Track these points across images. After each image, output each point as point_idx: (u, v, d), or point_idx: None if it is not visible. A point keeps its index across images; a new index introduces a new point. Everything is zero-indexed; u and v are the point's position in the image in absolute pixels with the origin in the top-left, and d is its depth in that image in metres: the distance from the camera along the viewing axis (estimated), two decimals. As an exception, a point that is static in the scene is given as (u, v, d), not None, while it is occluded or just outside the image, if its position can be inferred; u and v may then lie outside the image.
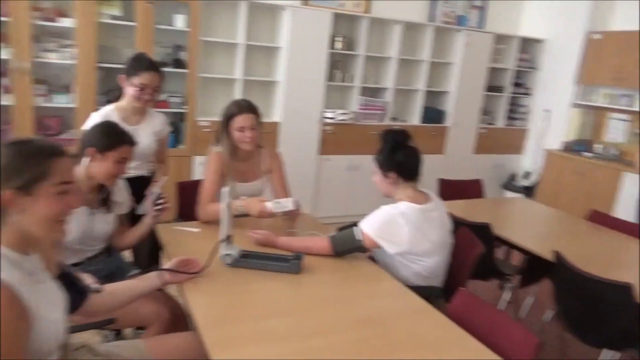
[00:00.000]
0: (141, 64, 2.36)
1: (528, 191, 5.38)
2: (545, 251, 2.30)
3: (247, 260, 1.85)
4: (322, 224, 2.57)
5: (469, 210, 3.01)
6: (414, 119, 5.08)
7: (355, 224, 2.01)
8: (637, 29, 4.67)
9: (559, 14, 5.32)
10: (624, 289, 1.92)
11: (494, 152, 5.58)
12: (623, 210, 4.39)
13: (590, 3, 5.00)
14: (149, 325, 1.83)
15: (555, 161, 5.13)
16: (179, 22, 3.90)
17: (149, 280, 1.61)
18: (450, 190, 3.41)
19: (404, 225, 1.89)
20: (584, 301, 2.12)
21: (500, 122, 5.58)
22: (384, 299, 1.74)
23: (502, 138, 5.61)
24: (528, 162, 5.66)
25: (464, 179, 3.63)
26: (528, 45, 5.54)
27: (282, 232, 2.17)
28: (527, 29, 5.62)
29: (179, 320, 1.84)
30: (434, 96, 5.23)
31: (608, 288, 1.97)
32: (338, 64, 4.64)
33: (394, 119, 5.02)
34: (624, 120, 5.02)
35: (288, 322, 1.50)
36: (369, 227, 1.93)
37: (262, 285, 1.73)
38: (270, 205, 2.16)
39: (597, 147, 5.11)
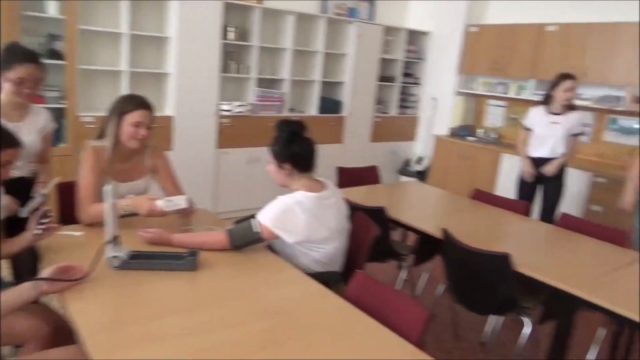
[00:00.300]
0: (16, 55, 2.12)
1: (421, 175, 5.71)
2: (435, 230, 2.45)
3: (137, 261, 1.74)
4: (221, 218, 2.51)
5: (366, 195, 3.12)
6: (312, 109, 5.14)
7: (252, 216, 1.98)
8: (509, 22, 5.14)
9: (441, 8, 5.67)
10: (503, 258, 2.10)
11: (389, 139, 5.83)
12: (503, 188, 4.82)
13: (468, -2, 5.40)
14: (26, 342, 1.65)
15: (443, 146, 5.49)
16: (51, 9, 3.55)
17: (22, 292, 1.45)
18: (349, 177, 3.50)
19: (301, 214, 1.89)
20: (469, 273, 2.29)
21: (393, 110, 5.84)
22: (284, 289, 1.74)
23: (395, 126, 5.88)
24: (420, 147, 6.01)
25: (362, 166, 3.75)
26: (415, 37, 5.85)
27: (177, 230, 2.08)
28: (413, 22, 5.92)
29: (62, 334, 1.68)
30: (330, 87, 5.33)
31: (489, 259, 2.14)
32: (232, 54, 4.54)
33: (291, 109, 5.04)
34: (500, 106, 5.51)
35: (185, 320, 1.44)
36: (266, 218, 1.91)
37: (155, 285, 1.64)
38: (161, 204, 2.05)
39: (479, 132, 5.56)
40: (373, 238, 2.23)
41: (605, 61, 4.37)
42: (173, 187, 2.34)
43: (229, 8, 4.34)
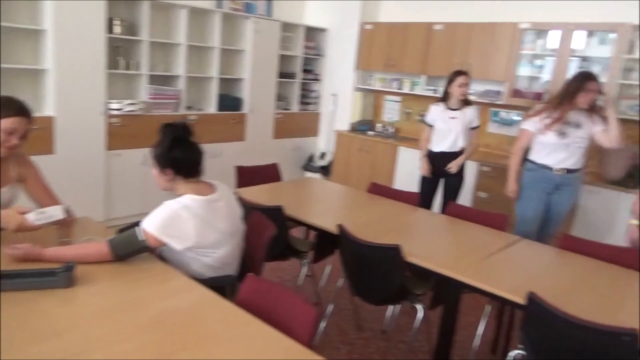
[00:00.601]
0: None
1: (325, 170, 5.80)
2: (332, 226, 2.48)
3: (3, 282, 1.55)
4: (106, 227, 2.34)
5: (266, 194, 3.09)
6: (211, 107, 5.00)
7: (137, 224, 1.86)
8: (401, 20, 5.36)
9: (337, 6, 5.78)
10: (394, 250, 2.17)
11: (292, 135, 5.85)
12: (401, 180, 5.05)
13: (362, -4, 5.55)
14: None
15: (344, 141, 5.62)
16: None
17: None
18: (249, 176, 3.45)
19: (189, 219, 1.81)
20: (364, 266, 2.35)
21: (295, 107, 5.86)
22: (174, 298, 1.65)
23: (298, 122, 5.90)
24: (323, 143, 6.10)
25: (265, 163, 3.70)
26: (313, 33, 5.91)
27: (55, 243, 1.90)
28: (311, 19, 5.97)
29: None
30: (229, 83, 5.21)
31: (381, 251, 2.21)
32: (120, 50, 4.26)
33: (189, 107, 4.86)
34: (396, 101, 5.74)
35: (59, 343, 1.31)
36: (152, 225, 1.81)
37: (24, 308, 1.47)
38: (32, 217, 1.86)
39: (378, 126, 5.76)
40: (270, 238, 2.20)
41: (486, 58, 4.72)
42: (46, 197, 2.14)
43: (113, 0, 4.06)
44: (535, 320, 1.82)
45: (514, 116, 4.81)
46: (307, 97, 6.02)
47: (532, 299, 1.78)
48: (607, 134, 3.16)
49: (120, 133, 4.22)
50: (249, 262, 2.19)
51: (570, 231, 4.03)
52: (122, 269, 1.79)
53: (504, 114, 4.90)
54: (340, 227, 2.37)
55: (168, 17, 4.61)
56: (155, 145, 1.91)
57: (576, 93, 3.09)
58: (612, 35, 4.05)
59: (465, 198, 4.49)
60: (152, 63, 4.46)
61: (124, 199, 4.34)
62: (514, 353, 2.06)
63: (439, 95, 4.03)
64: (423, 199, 3.95)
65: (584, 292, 2.03)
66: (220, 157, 4.90)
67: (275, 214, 2.57)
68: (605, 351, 1.65)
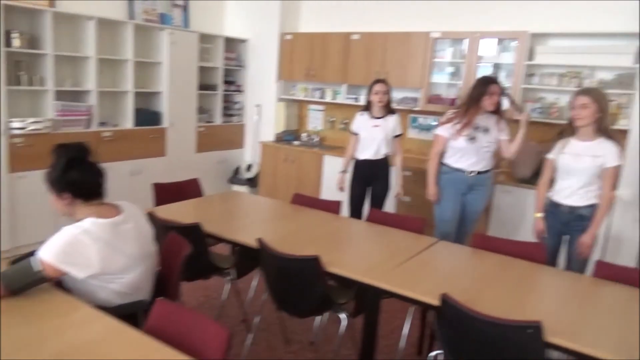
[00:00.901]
0: None
1: (252, 182, 5.72)
2: (253, 240, 2.43)
3: None
4: (4, 257, 2.15)
5: (186, 211, 2.99)
6: (127, 122, 4.78)
7: (32, 253, 1.72)
8: (320, 30, 5.43)
9: (257, 16, 5.75)
10: (314, 261, 2.16)
11: (216, 148, 5.72)
12: (327, 188, 5.08)
13: (280, 6, 5.55)
14: None
15: (270, 152, 5.58)
16: None
17: None
18: (167, 193, 3.32)
19: (91, 245, 1.70)
20: (285, 279, 2.32)
21: (218, 119, 5.75)
22: (75, 331, 1.53)
23: (222, 134, 5.79)
24: (249, 155, 6.02)
25: (190, 178, 3.58)
26: (233, 44, 5.84)
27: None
28: (230, 29, 5.91)
29: None
30: (146, 97, 5.02)
31: (301, 263, 2.19)
32: (21, 64, 3.97)
33: (103, 123, 4.61)
34: (320, 110, 5.79)
35: None
36: (49, 253, 1.67)
37: None
38: None
39: (303, 136, 5.78)
40: (185, 257, 2.12)
41: (403, 66, 4.88)
42: None
43: (10, 11, 3.78)
44: (449, 320, 1.88)
45: (432, 121, 5.00)
46: (230, 108, 5.93)
47: (445, 300, 1.83)
48: (508, 146, 3.40)
49: (25, 154, 3.92)
50: (164, 285, 2.10)
51: (486, 229, 4.24)
52: (17, 304, 1.64)
53: (422, 119, 5.09)
54: (260, 241, 2.33)
55: (75, 29, 4.35)
56: (49, 168, 1.78)
57: (480, 97, 3.27)
58: (515, 43, 4.33)
59: (389, 203, 4.59)
60: (59, 78, 4.20)
61: (32, 225, 4.02)
62: (434, 353, 2.12)
63: (360, 103, 4.11)
64: (353, 207, 4.02)
65: (494, 289, 2.12)
66: (140, 175, 4.69)
67: (193, 231, 2.48)
68: (513, 345, 1.73)
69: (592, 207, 2.85)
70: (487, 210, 4.17)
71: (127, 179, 4.56)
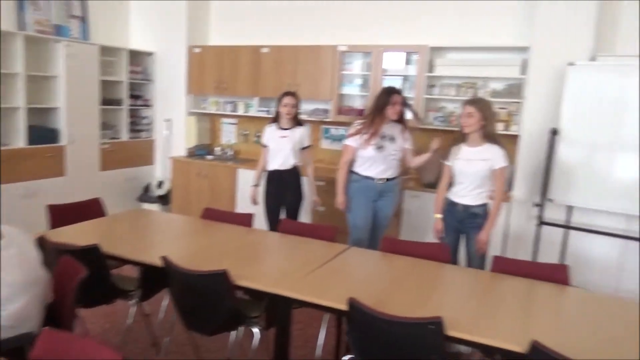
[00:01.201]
0: None
1: (163, 200, 5.50)
2: (158, 259, 2.31)
3: None
4: None
5: (85, 233, 2.79)
6: (19, 140, 4.40)
7: None
8: (229, 43, 5.38)
9: (163, 29, 5.59)
10: (222, 276, 2.10)
11: (124, 166, 5.44)
12: (243, 202, 5.00)
13: (187, 18, 5.44)
14: None
15: (181, 167, 5.41)
16: None
17: None
18: (65, 215, 3.08)
19: (-38, 274, 1.52)
20: (193, 296, 2.23)
21: (125, 135, 5.48)
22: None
23: (129, 151, 5.52)
24: (159, 171, 5.79)
25: (93, 198, 3.35)
26: (139, 57, 5.62)
27: None
28: (135, 42, 5.68)
29: None
30: (41, 113, 4.66)
31: (208, 279, 2.12)
32: None
33: (-11, 143, 4.22)
34: (233, 124, 5.72)
35: None
36: None
37: None
38: None
39: (217, 150, 5.66)
40: (79, 282, 1.96)
41: (313, 79, 4.95)
42: None
43: None
44: (357, 323, 1.90)
45: (343, 132, 5.11)
46: (137, 124, 5.68)
47: (352, 304, 1.86)
48: (412, 156, 3.60)
49: None
50: (57, 313, 1.93)
51: (398, 234, 4.39)
52: None
53: (333, 130, 5.19)
54: (165, 259, 2.23)
55: (-47, 41, 3.97)
56: None
57: (384, 107, 3.42)
58: (416, 56, 4.56)
59: (304, 213, 4.61)
60: None
61: None
62: (346, 358, 2.13)
63: (272, 115, 4.11)
64: (270, 219, 3.98)
65: (402, 290, 2.19)
66: (34, 197, 4.33)
67: (91, 254, 2.32)
68: (417, 342, 1.78)
69: (484, 206, 3.09)
70: (398, 215, 4.32)
71: (20, 202, 4.19)
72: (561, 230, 3.93)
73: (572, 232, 3.92)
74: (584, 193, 3.73)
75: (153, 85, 5.75)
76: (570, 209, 3.91)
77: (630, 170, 3.57)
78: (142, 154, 5.70)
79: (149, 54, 5.66)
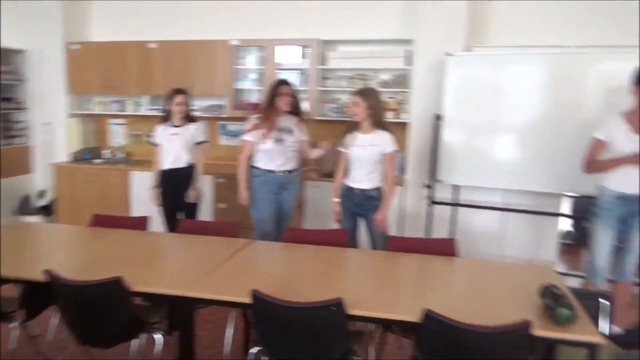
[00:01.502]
0: None
1: (47, 210, 5.04)
2: (39, 274, 2.11)
3: None
4: None
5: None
6: None
7: None
8: (114, 39, 5.05)
9: (34, 24, 5.09)
10: (115, 284, 1.97)
11: (-3, 176, 4.90)
12: (138, 205, 4.75)
13: (63, 13, 5.01)
14: None
15: (66, 174, 4.99)
16: None
17: None
18: None
19: None
20: (84, 308, 2.08)
21: (-4, 142, 4.93)
22: None
23: (2, 160, 4.97)
24: (40, 180, 5.29)
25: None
26: (8, 56, 5.07)
27: None
28: (3, 39, 5.11)
29: None
30: None
31: (100, 288, 1.98)
32: None
33: None
34: (122, 124, 5.39)
35: None
36: None
37: None
38: None
39: (106, 153, 5.30)
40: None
41: (207, 74, 4.82)
42: None
43: None
44: (262, 315, 1.90)
45: (241, 127, 5.04)
46: (10, 129, 5.13)
47: (255, 295, 1.85)
48: (309, 148, 3.67)
49: None
50: None
51: (301, 223, 4.45)
52: None
53: (231, 126, 5.10)
54: (49, 272, 2.04)
55: None
56: None
57: (274, 99, 3.45)
58: (309, 50, 4.63)
59: (206, 212, 4.50)
60: None
61: None
62: (254, 350, 2.11)
63: (163, 114, 3.95)
64: (167, 220, 3.88)
65: (305, 278, 2.22)
66: None
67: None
68: (320, 325, 1.82)
69: (379, 189, 3.26)
70: (301, 205, 4.38)
71: None
72: (449, 207, 4.24)
73: (460, 209, 4.25)
74: (468, 172, 4.05)
75: (27, 85, 5.22)
76: (457, 188, 4.23)
77: (506, 150, 3.95)
78: (18, 162, 5.15)
79: (20, 51, 5.13)
